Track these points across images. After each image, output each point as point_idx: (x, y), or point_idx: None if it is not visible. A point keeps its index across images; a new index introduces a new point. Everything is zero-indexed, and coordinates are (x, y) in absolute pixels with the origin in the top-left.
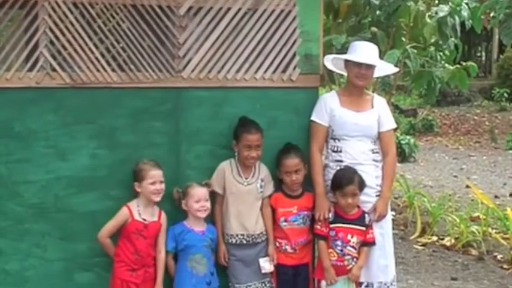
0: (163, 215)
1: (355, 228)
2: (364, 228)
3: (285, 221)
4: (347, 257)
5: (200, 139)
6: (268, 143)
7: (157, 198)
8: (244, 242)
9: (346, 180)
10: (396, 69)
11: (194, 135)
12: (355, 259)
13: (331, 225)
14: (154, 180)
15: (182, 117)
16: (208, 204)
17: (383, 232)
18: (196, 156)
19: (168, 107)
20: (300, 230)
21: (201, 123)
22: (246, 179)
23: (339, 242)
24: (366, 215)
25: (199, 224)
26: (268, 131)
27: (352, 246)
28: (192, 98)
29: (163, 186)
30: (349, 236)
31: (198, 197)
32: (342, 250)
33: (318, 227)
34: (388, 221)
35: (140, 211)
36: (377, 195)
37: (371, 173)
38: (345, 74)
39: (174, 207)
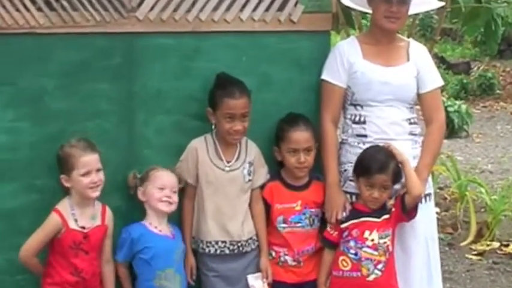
0: (108, 212)
1: (374, 221)
2: (387, 216)
3: (285, 221)
4: (365, 263)
5: (162, 106)
6: (258, 111)
7: (95, 194)
8: (227, 251)
9: (378, 165)
10: (441, 4)
11: (154, 100)
12: (379, 264)
13: (343, 225)
14: (87, 169)
15: (137, 76)
16: (175, 198)
17: (426, 235)
18: (157, 130)
19: (117, 62)
20: (306, 234)
21: (163, 83)
22: (228, 162)
23: (351, 243)
24: (387, 202)
25: (164, 224)
26: (258, 94)
27: (372, 246)
28: (150, 48)
29: (101, 175)
30: (366, 233)
31: (162, 183)
32: (356, 254)
33: (329, 229)
34: (432, 220)
35: (76, 215)
36: None
37: (407, 152)
38: (369, 12)
39: (127, 202)
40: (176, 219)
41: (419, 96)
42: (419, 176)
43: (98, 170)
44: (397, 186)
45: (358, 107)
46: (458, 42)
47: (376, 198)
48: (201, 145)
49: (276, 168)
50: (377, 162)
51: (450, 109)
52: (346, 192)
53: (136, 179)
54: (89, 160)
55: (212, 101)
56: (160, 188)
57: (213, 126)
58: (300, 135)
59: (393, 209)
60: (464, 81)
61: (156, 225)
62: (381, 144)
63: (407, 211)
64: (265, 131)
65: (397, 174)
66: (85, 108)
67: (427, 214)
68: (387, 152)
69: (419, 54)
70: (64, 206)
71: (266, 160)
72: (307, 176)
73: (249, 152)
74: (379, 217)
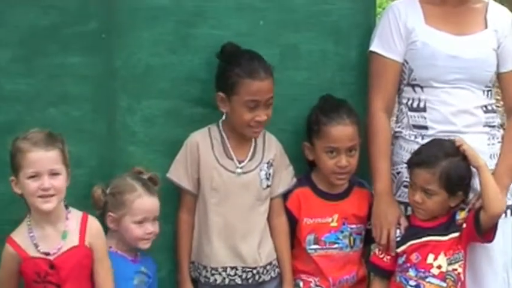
0: (91, 225)
1: (440, 241)
2: (456, 234)
3: (316, 241)
4: None
5: (153, 88)
6: (280, 95)
7: (47, 206)
8: (239, 281)
9: (421, 157)
10: None
11: (141, 80)
12: None
13: (400, 248)
14: (35, 169)
15: (119, 47)
16: (156, 228)
17: (505, 261)
18: (145, 118)
19: (92, 28)
20: (344, 258)
21: (154, 58)
22: (240, 162)
23: (411, 272)
24: (457, 213)
25: (129, 250)
26: (280, 73)
27: (439, 275)
28: (137, 11)
29: (58, 181)
30: (430, 258)
31: (143, 215)
32: (418, 286)
33: (377, 251)
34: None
35: (36, 238)
36: None
37: (482, 150)
38: None
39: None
40: (167, 239)
41: (500, 76)
42: (498, 184)
43: (54, 174)
44: (470, 196)
45: (417, 89)
46: None
47: (417, 203)
48: (204, 140)
49: (306, 170)
50: (422, 154)
51: None
52: (401, 203)
53: (105, 196)
54: (39, 158)
55: (225, 82)
56: (141, 222)
57: (224, 116)
58: (343, 131)
59: (464, 225)
60: None
61: (117, 248)
62: (451, 138)
63: (483, 232)
64: (290, 121)
65: (459, 181)
66: (49, 90)
67: (508, 233)
68: (449, 147)
69: (501, 19)
70: (21, 228)
71: (291, 159)
72: (347, 181)
73: (268, 148)
74: (446, 234)
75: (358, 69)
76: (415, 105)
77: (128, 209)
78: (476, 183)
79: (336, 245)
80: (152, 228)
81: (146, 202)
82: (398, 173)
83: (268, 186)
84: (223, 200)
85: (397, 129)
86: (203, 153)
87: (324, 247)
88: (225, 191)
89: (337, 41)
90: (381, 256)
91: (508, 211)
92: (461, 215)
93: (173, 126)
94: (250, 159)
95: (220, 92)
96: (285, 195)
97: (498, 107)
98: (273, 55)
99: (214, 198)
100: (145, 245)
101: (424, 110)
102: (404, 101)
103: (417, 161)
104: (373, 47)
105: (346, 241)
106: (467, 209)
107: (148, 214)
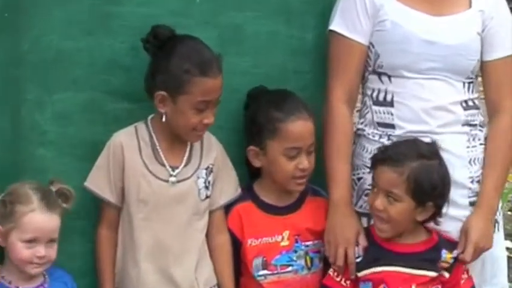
0: None
1: (418, 275)
2: (435, 274)
3: (265, 266)
4: None
5: (66, 77)
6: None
7: (37, 271)
8: None
9: (387, 154)
10: None
11: (53, 68)
12: None
13: (362, 272)
14: (33, 236)
15: (25, 28)
16: (51, 253)
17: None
18: (58, 115)
19: None
20: (301, 282)
21: (67, 41)
22: (174, 168)
23: None
24: (443, 246)
25: (27, 278)
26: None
27: None
28: None
29: (54, 250)
30: None
31: (34, 234)
32: None
33: (331, 273)
34: (500, 263)
35: None
36: (471, 202)
37: (460, 154)
38: None
39: None
40: (87, 261)
41: (484, 66)
42: (486, 205)
43: (51, 241)
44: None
45: (384, 78)
46: None
47: (377, 209)
48: (130, 141)
49: (246, 180)
50: (389, 150)
51: None
52: (362, 215)
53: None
54: (41, 223)
55: (168, 79)
56: (30, 241)
57: (163, 115)
58: (305, 127)
59: (447, 275)
60: None
61: (12, 280)
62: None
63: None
64: (231, 117)
65: (430, 189)
66: None
67: (493, 254)
68: (426, 149)
69: None
70: None
71: (234, 164)
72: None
73: (207, 150)
74: (420, 268)
75: (315, 54)
76: (381, 98)
77: (16, 223)
78: (456, 194)
79: (289, 268)
80: (45, 252)
81: (39, 219)
82: (359, 179)
83: (207, 196)
84: (152, 214)
85: (360, 126)
86: (129, 158)
87: (275, 272)
88: (155, 203)
89: (289, 20)
90: (338, 279)
91: (495, 227)
92: (447, 257)
93: (91, 124)
94: (185, 165)
95: (162, 91)
96: (226, 209)
97: (482, 99)
98: (211, 38)
99: (141, 213)
100: (33, 270)
101: (391, 104)
102: (369, 92)
103: (382, 157)
104: (334, 26)
105: (302, 262)
106: (455, 254)
107: (40, 234)
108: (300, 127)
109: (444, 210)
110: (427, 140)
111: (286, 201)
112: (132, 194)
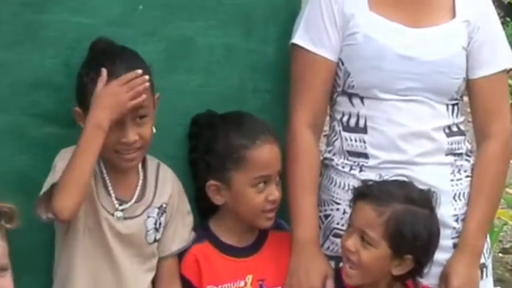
0: None
1: None
2: None
3: None
4: None
5: None
6: (165, 110)
7: None
8: None
9: (370, 190)
10: None
11: None
12: None
13: None
14: None
15: None
16: (5, 284)
17: None
18: None
19: None
20: None
21: None
22: (123, 203)
23: None
24: None
25: None
26: (166, 78)
27: None
28: None
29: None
30: None
31: None
32: None
33: None
34: None
35: None
36: (456, 244)
37: (443, 189)
38: None
39: None
40: None
41: (470, 85)
42: (470, 246)
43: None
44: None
45: (356, 100)
46: None
47: (348, 250)
48: None
49: (200, 218)
50: (374, 186)
51: None
52: (330, 258)
53: None
54: None
55: (81, 91)
56: None
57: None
58: (272, 152)
59: None
60: None
61: None
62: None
63: None
64: (180, 145)
65: (412, 239)
66: None
67: None
68: (417, 194)
69: (474, 6)
70: None
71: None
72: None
73: (161, 186)
74: None
75: (276, 71)
76: (352, 123)
77: None
78: (442, 258)
79: None
80: None
81: None
82: (326, 216)
83: (156, 240)
84: (95, 247)
85: (327, 155)
86: None
87: None
88: (99, 234)
89: (248, 32)
90: None
91: (484, 272)
92: None
93: (14, 152)
94: (136, 201)
95: (77, 108)
96: (179, 255)
97: (469, 121)
98: (157, 52)
99: (85, 241)
100: None
101: (364, 130)
102: (338, 116)
103: (364, 191)
104: (297, 39)
105: None
106: None
107: None
108: (267, 153)
109: (426, 270)
110: (422, 187)
111: (247, 240)
112: (81, 218)
